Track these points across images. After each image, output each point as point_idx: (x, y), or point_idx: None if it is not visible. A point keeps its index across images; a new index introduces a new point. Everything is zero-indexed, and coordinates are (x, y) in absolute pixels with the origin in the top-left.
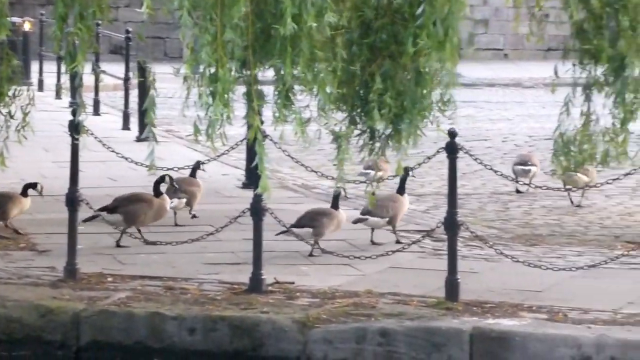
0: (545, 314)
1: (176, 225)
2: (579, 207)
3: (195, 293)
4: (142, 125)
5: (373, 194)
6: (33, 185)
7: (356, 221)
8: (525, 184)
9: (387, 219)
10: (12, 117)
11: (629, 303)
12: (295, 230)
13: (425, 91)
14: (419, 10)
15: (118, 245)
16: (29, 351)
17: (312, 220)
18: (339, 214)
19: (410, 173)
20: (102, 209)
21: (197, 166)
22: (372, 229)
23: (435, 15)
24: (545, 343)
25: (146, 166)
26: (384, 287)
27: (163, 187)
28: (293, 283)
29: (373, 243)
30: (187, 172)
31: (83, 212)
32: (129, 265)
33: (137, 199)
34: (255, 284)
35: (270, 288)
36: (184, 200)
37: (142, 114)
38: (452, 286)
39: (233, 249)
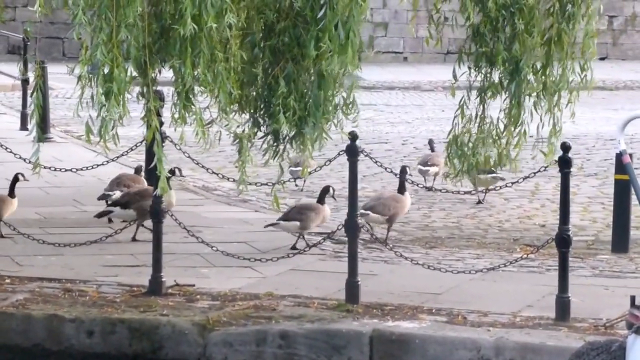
0: (444, 316)
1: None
2: (481, 203)
3: (93, 295)
4: (41, 126)
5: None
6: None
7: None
8: (427, 186)
9: (387, 217)
10: None
11: (527, 306)
12: (282, 223)
13: (328, 94)
14: (320, 14)
15: (134, 240)
16: None
17: (299, 214)
18: (325, 209)
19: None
20: (114, 204)
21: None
22: (371, 226)
23: (337, 18)
24: (444, 345)
25: (32, 165)
26: (285, 290)
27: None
28: (193, 285)
29: (376, 239)
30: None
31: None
32: (26, 267)
33: (149, 194)
34: (155, 287)
35: (170, 290)
36: None
37: (41, 114)
38: (352, 288)
39: (132, 251)
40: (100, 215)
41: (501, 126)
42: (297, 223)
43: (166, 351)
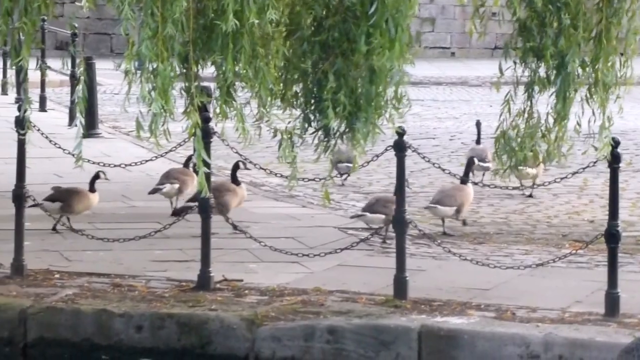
0: (493, 312)
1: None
2: (531, 197)
3: (142, 290)
4: (89, 121)
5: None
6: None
7: (426, 207)
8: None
9: (455, 208)
10: None
11: (576, 302)
12: (368, 215)
13: (380, 89)
14: (372, 9)
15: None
16: None
17: (384, 207)
18: None
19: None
20: (193, 200)
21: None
22: (443, 219)
23: (387, 13)
24: (493, 341)
25: (75, 159)
26: (333, 285)
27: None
28: (241, 281)
29: (444, 233)
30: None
31: (30, 209)
32: (75, 262)
33: (226, 189)
34: (203, 282)
35: (218, 285)
36: (176, 185)
37: (89, 110)
38: (400, 284)
39: (181, 247)
40: (177, 212)
41: (550, 121)
42: (382, 216)
43: (214, 346)
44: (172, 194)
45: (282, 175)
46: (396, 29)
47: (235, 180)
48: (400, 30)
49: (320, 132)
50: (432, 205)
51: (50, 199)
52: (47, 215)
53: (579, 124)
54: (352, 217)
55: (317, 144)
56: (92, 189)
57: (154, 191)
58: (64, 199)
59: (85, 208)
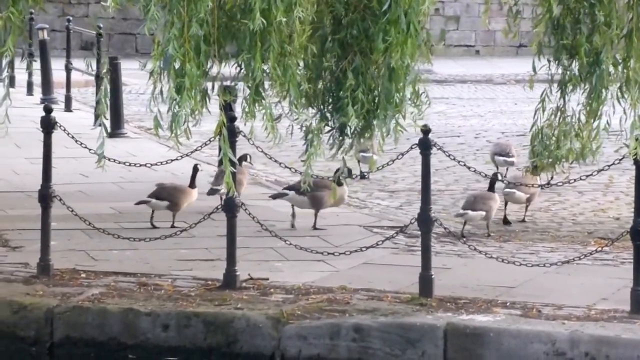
0: (519, 309)
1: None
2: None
3: (168, 289)
4: (115, 121)
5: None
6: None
7: (457, 215)
8: (501, 179)
9: (483, 213)
10: None
11: (602, 299)
12: (470, 213)
13: (399, 86)
14: (386, 6)
15: (314, 228)
16: (2, 347)
17: (484, 204)
18: (495, 197)
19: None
20: (290, 188)
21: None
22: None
23: (399, 10)
24: (519, 339)
25: (97, 159)
26: (358, 283)
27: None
28: (267, 279)
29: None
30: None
31: (56, 209)
32: (102, 261)
33: (324, 186)
34: (229, 280)
35: (244, 284)
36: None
37: (114, 109)
38: (426, 282)
39: (206, 245)
40: (274, 197)
41: (583, 119)
42: (483, 213)
43: (241, 344)
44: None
45: (299, 172)
46: (408, 25)
47: (193, 183)
48: (413, 27)
49: (335, 131)
50: (463, 211)
51: (157, 196)
52: (73, 215)
53: (608, 123)
54: (456, 216)
55: (332, 143)
56: (192, 185)
57: (213, 192)
58: (171, 197)
59: (188, 204)
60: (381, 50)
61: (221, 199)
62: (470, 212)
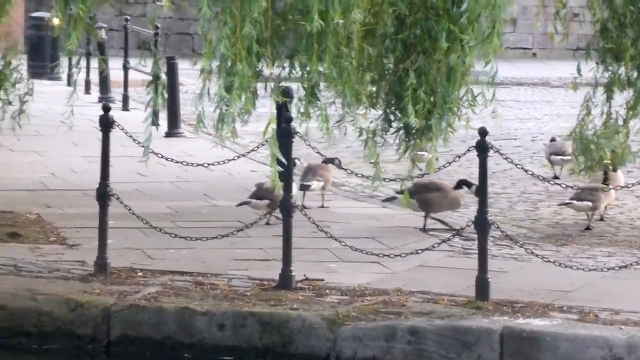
0: (575, 314)
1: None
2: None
3: (224, 289)
4: (171, 121)
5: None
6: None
7: (561, 204)
8: (554, 179)
9: (592, 203)
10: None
11: None
12: (575, 203)
13: (456, 86)
14: (463, 7)
15: (423, 230)
16: (59, 345)
17: (591, 195)
18: (612, 192)
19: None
20: (401, 192)
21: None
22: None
23: (479, 10)
24: (576, 343)
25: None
26: (414, 286)
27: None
28: (322, 280)
29: (587, 228)
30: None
31: (113, 207)
32: (158, 260)
33: (435, 188)
34: (285, 281)
35: (299, 285)
36: (321, 183)
37: (171, 109)
38: (482, 285)
39: (262, 246)
40: (385, 200)
41: (630, 124)
42: (590, 204)
43: (296, 345)
44: (317, 191)
45: (362, 175)
46: (492, 24)
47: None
48: (497, 24)
49: (401, 132)
50: (569, 201)
51: (257, 196)
52: (130, 213)
53: None
54: (559, 205)
55: (399, 144)
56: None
57: (303, 188)
58: (271, 197)
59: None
60: (444, 50)
61: (304, 194)
62: (575, 202)
